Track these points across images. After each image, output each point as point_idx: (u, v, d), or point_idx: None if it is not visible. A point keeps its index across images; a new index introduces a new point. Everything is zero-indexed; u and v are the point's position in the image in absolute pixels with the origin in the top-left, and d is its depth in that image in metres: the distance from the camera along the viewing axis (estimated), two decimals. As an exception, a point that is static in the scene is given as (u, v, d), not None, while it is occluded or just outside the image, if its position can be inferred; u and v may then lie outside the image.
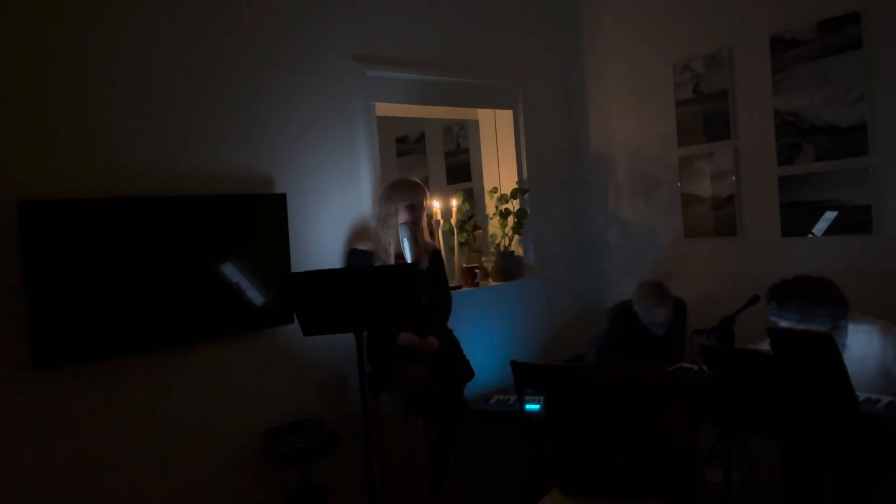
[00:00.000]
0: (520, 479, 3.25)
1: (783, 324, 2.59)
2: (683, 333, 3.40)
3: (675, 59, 4.01)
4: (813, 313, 2.53)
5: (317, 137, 3.30)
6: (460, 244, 4.03)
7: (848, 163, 3.37)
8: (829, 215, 3.45)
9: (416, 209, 3.18)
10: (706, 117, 3.90)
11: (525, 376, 3.04)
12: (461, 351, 3.27)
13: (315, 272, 2.58)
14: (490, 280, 4.12)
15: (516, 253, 4.20)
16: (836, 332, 2.52)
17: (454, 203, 3.95)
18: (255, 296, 2.99)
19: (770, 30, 3.59)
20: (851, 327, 2.60)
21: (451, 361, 3.16)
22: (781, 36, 3.55)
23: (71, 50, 2.61)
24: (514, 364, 3.05)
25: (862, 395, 2.34)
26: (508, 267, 4.11)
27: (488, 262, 4.14)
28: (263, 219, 3.06)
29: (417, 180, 3.32)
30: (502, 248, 4.11)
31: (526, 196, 4.22)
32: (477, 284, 3.93)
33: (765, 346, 2.39)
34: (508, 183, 4.27)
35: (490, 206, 4.24)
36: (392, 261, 3.15)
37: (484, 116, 4.47)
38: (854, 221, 3.37)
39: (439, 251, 3.43)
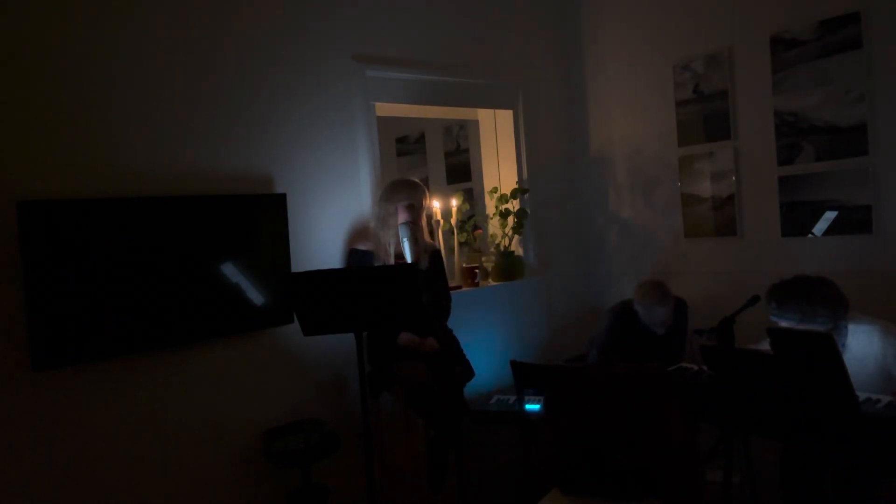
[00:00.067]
0: (520, 479, 3.25)
1: (783, 324, 2.59)
2: (684, 333, 3.40)
3: (675, 59, 4.01)
4: (813, 313, 2.53)
5: (317, 137, 3.30)
6: (460, 244, 4.03)
7: (848, 163, 3.37)
8: (829, 215, 3.45)
9: (416, 209, 3.19)
10: (706, 117, 3.90)
11: (525, 376, 3.05)
12: (461, 351, 3.27)
13: (315, 272, 2.58)
14: (490, 280, 4.12)
15: (516, 253, 4.20)
16: (836, 332, 2.52)
17: (454, 203, 3.95)
18: (255, 296, 2.99)
19: (770, 30, 3.59)
20: (851, 327, 2.60)
21: (450, 361, 3.16)
22: (781, 36, 3.55)
23: (71, 50, 2.61)
24: (514, 364, 3.06)
25: (862, 395, 2.34)
26: (508, 267, 4.11)
27: (488, 262, 4.14)
28: (263, 219, 3.06)
29: (417, 180, 3.32)
30: (502, 248, 4.11)
31: (526, 196, 4.22)
32: (477, 284, 3.93)
33: (765, 346, 2.38)
34: (508, 183, 4.27)
35: (490, 206, 4.24)
36: (392, 261, 3.15)
37: (484, 116, 4.47)
38: (854, 221, 3.37)
39: (439, 251, 3.43)
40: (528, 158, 4.31)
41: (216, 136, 2.97)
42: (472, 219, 4.21)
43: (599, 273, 4.55)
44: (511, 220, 4.07)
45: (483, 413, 3.40)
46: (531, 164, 4.32)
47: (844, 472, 2.52)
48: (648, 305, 3.30)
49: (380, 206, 3.25)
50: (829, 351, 2.15)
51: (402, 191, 3.21)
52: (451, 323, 3.35)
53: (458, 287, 3.87)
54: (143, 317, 2.68)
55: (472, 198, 4.69)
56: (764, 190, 3.68)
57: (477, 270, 3.94)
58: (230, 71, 3.02)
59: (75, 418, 2.59)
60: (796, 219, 3.57)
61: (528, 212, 4.16)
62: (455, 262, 3.99)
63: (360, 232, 3.40)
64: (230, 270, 2.92)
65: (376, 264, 3.17)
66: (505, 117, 4.34)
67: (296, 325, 2.57)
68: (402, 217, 3.15)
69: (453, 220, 3.94)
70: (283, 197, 3.10)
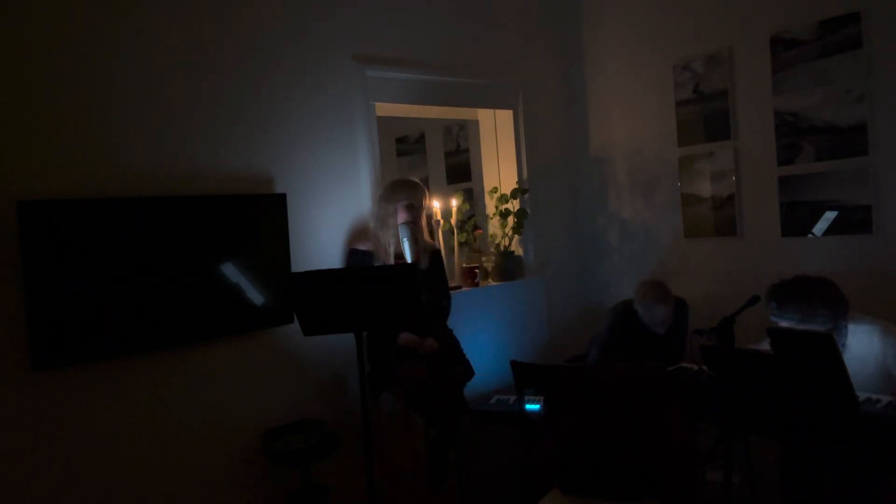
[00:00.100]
0: (520, 479, 3.25)
1: (783, 324, 2.60)
2: (684, 333, 3.40)
3: (675, 59, 4.01)
4: (813, 313, 2.53)
5: (317, 137, 3.30)
6: (460, 244, 4.03)
7: (848, 163, 3.37)
8: (829, 215, 3.45)
9: (416, 209, 3.18)
10: (706, 117, 3.90)
11: (525, 376, 3.04)
12: (461, 351, 3.27)
13: (315, 272, 2.58)
14: (490, 280, 4.12)
15: (516, 253, 4.20)
16: (836, 332, 2.53)
17: (454, 203, 3.95)
18: (256, 296, 2.99)
19: (770, 30, 3.59)
20: (851, 327, 2.60)
21: (450, 361, 3.16)
22: (781, 36, 3.55)
23: (71, 50, 2.61)
24: (514, 364, 3.05)
25: (862, 395, 2.34)
26: (508, 267, 4.11)
27: (488, 262, 4.14)
28: (263, 219, 3.06)
29: (416, 180, 3.32)
30: (502, 248, 4.11)
31: (526, 196, 4.22)
32: (477, 284, 3.93)
33: (765, 346, 2.39)
34: (508, 183, 4.27)
35: (490, 206, 4.24)
36: (392, 261, 3.15)
37: (484, 116, 4.47)
38: (854, 221, 3.37)
39: (439, 251, 3.43)
40: (528, 158, 4.31)
41: (216, 136, 2.97)
42: (472, 219, 4.21)
43: (599, 273, 4.55)
44: (511, 220, 4.07)
45: (483, 413, 3.39)
46: (531, 164, 4.32)
47: (844, 472, 2.53)
48: (648, 305, 3.30)
49: (379, 206, 3.25)
50: (829, 351, 2.15)
51: (401, 191, 3.21)
52: (451, 323, 3.35)
53: (458, 287, 3.87)
54: (143, 317, 2.68)
55: (472, 198, 4.69)
56: (764, 190, 3.68)
57: (477, 270, 3.94)
58: (230, 71, 3.02)
59: (75, 418, 2.59)
60: (796, 219, 3.57)
61: (528, 212, 4.16)
62: (455, 262, 3.99)
63: (360, 232, 3.40)
64: (230, 270, 2.92)
65: (376, 264, 3.17)
66: (505, 117, 4.34)
67: (296, 325, 2.57)
68: (402, 217, 3.15)
69: (453, 220, 3.94)
70: (283, 197, 3.10)
